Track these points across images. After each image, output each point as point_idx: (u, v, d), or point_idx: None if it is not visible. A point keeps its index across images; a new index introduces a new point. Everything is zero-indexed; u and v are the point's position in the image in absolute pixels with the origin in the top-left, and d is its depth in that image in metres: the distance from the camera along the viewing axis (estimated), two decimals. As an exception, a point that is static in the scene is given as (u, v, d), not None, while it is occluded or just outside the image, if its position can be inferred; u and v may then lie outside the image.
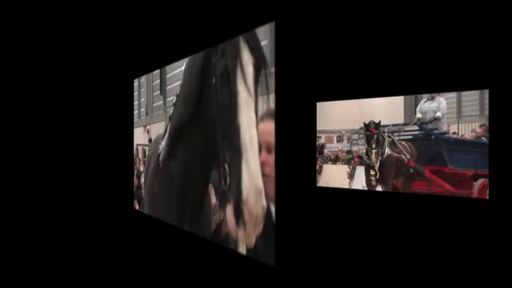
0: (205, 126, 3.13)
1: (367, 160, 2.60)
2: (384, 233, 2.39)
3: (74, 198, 4.72)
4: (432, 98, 2.40)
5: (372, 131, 2.57)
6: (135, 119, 4.81)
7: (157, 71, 4.26)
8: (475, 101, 2.15)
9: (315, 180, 2.69)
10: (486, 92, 2.07)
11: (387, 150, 2.56)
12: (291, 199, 2.59)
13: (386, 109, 2.56)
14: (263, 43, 2.65)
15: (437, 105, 2.38)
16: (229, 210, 2.84)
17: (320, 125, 2.69)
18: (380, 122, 2.53)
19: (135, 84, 4.81)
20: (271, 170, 2.41)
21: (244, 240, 2.71)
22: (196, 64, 3.33)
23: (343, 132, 2.71)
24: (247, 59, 2.69)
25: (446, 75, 2.18)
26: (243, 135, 2.64)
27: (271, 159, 2.37)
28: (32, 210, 4.47)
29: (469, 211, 2.11)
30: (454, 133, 2.30)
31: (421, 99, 2.45)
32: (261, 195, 2.53)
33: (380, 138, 2.56)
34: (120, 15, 4.36)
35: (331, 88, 2.60)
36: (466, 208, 2.12)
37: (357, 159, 2.67)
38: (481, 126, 2.21)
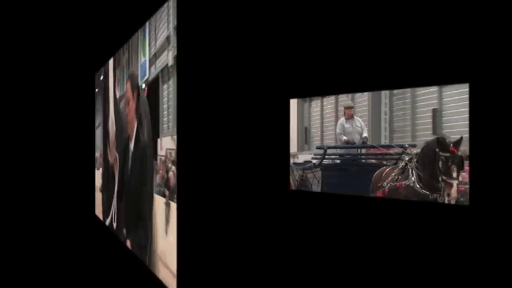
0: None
1: (434, 196, 1.90)
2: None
3: (30, 202, 4.61)
4: (351, 117, 2.35)
5: (453, 151, 1.81)
6: (164, 130, 4.65)
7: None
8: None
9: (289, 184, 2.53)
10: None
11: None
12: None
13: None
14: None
15: (359, 125, 2.32)
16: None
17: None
18: (462, 137, 1.79)
19: (164, 85, 4.61)
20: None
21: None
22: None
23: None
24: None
25: (426, 69, 1.98)
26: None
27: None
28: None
29: (448, 217, 1.90)
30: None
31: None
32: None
33: (462, 162, 1.77)
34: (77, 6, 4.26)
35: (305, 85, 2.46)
36: (445, 214, 1.91)
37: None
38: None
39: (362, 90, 2.25)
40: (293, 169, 2.51)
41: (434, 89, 1.96)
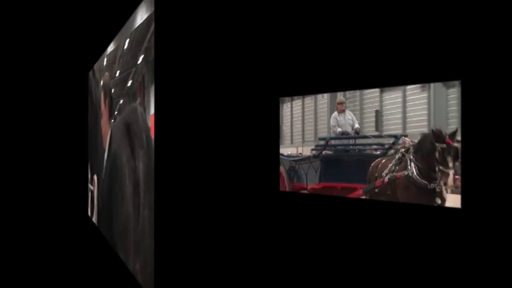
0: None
1: (432, 185, 1.97)
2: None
3: (22, 202, 4.42)
4: (343, 111, 2.54)
5: (449, 143, 1.89)
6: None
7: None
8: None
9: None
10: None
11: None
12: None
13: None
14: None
15: (351, 118, 2.52)
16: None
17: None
18: (457, 129, 1.84)
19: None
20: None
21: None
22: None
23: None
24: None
25: (417, 66, 1.97)
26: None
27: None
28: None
29: (440, 220, 1.89)
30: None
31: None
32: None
33: (457, 153, 1.83)
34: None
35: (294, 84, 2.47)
36: (437, 217, 1.91)
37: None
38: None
39: (354, 89, 2.35)
40: (282, 161, 2.65)
41: (377, 93, 2.37)
